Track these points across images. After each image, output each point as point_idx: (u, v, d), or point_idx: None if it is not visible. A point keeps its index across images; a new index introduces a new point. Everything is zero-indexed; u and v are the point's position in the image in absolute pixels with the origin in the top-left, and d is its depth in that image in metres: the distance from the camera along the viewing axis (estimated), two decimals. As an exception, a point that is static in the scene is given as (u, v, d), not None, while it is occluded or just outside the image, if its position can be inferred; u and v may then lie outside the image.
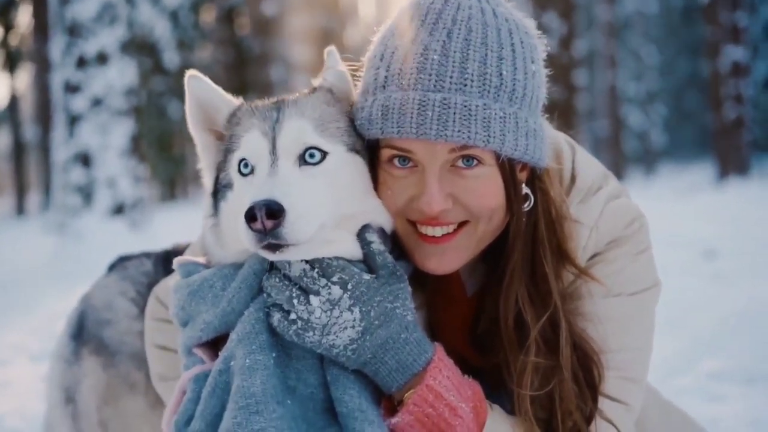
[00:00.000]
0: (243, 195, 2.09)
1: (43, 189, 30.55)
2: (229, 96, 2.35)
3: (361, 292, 2.07)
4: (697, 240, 11.22)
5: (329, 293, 2.06)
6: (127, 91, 12.90)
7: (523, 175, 2.28)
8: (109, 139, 12.65)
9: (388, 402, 2.15)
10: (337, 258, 2.11)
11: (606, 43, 34.70)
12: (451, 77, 2.10)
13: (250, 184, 2.09)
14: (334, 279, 2.08)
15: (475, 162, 2.17)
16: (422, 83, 2.11)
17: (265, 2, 27.30)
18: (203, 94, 2.32)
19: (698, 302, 7.52)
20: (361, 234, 2.17)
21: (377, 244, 2.16)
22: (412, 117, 2.10)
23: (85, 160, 12.62)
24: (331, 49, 2.37)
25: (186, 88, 2.32)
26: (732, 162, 22.87)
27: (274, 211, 1.93)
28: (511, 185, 2.22)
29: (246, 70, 30.61)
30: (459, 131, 2.08)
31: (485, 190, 2.20)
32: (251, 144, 2.14)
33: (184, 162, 33.19)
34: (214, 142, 2.33)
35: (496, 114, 2.11)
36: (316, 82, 2.35)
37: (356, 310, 2.06)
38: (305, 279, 2.07)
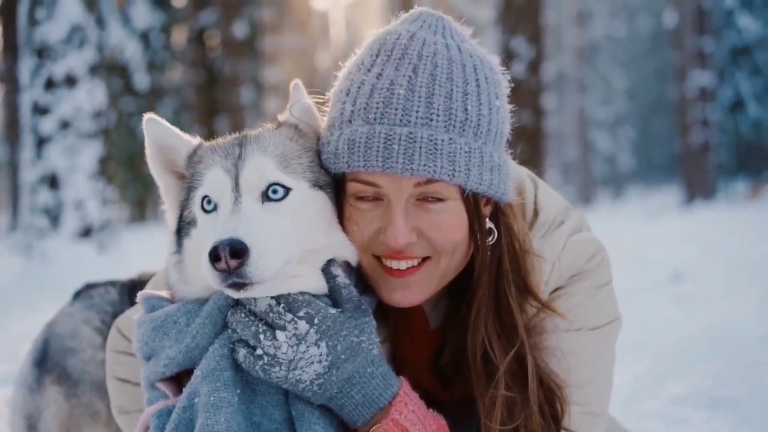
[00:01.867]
0: (206, 232, 2.09)
1: (10, 209, 30.24)
2: (187, 137, 2.34)
3: (327, 326, 2.07)
4: (664, 262, 11.30)
5: (295, 328, 2.06)
6: (95, 113, 12.84)
7: (487, 210, 2.30)
8: (77, 161, 12.57)
9: None
10: (302, 293, 2.11)
11: (575, 66, 35.02)
12: (417, 112, 2.12)
13: (214, 221, 2.09)
14: (300, 314, 2.07)
15: (437, 197, 2.18)
16: (388, 117, 2.12)
17: (236, 24, 27.22)
18: (162, 137, 2.33)
19: (663, 325, 7.57)
20: (326, 268, 2.18)
21: (342, 278, 2.17)
22: (378, 151, 2.11)
23: (52, 181, 12.53)
24: (297, 82, 2.37)
25: (144, 131, 2.32)
26: (699, 185, 23.12)
27: (237, 250, 1.93)
28: (476, 219, 2.24)
29: (217, 92, 30.49)
30: (425, 165, 2.10)
31: (449, 224, 2.21)
32: (214, 181, 2.13)
33: (153, 183, 32.94)
34: (175, 182, 2.33)
35: (461, 148, 2.12)
36: (281, 117, 2.35)
37: (323, 344, 2.06)
38: (271, 314, 2.07)
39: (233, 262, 1.93)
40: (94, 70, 12.93)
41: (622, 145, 39.59)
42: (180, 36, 33.85)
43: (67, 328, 2.92)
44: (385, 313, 2.42)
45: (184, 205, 2.24)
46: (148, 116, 2.32)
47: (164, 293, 2.34)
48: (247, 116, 29.95)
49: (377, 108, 2.14)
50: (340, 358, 2.07)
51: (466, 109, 2.15)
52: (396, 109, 2.12)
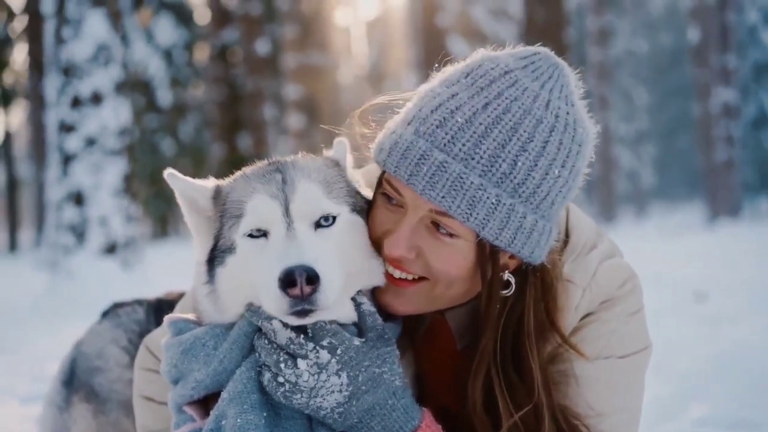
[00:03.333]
0: (254, 259, 2.10)
1: (35, 225, 30.49)
2: (200, 182, 2.37)
3: (349, 357, 2.08)
4: (688, 281, 11.20)
5: (317, 357, 2.06)
6: (120, 131, 12.92)
7: (511, 262, 2.26)
8: (102, 178, 12.64)
9: None
10: (330, 321, 2.11)
11: (597, 83, 34.96)
12: (462, 146, 2.09)
13: (263, 248, 2.10)
14: (324, 343, 2.07)
15: (449, 232, 2.17)
16: (435, 138, 2.11)
17: (259, 41, 27.37)
18: (182, 188, 2.33)
19: (687, 345, 7.49)
20: (353, 295, 2.19)
21: (367, 305, 2.19)
22: (410, 163, 2.12)
23: (78, 199, 12.62)
24: (342, 140, 2.41)
25: (170, 184, 2.35)
26: (723, 203, 22.96)
27: (311, 276, 1.95)
28: (488, 268, 2.20)
29: (239, 108, 30.62)
30: (443, 197, 2.09)
31: (452, 259, 2.20)
32: (261, 207, 2.14)
33: (176, 199, 33.14)
34: (203, 221, 2.33)
35: (488, 198, 2.09)
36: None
37: (344, 374, 2.06)
38: (292, 346, 2.08)
39: (308, 288, 1.94)
40: (119, 87, 13.02)
41: (644, 162, 39.42)
42: (203, 53, 34.07)
43: (94, 348, 2.95)
44: (412, 333, 2.43)
45: (218, 236, 2.23)
46: (168, 172, 2.32)
47: (191, 316, 2.35)
48: (269, 133, 30.06)
49: (432, 124, 2.13)
50: (360, 389, 2.07)
51: (515, 164, 2.09)
52: (446, 134, 2.11)
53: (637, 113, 39.13)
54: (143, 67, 28.70)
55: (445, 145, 2.10)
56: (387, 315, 2.29)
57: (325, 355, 2.06)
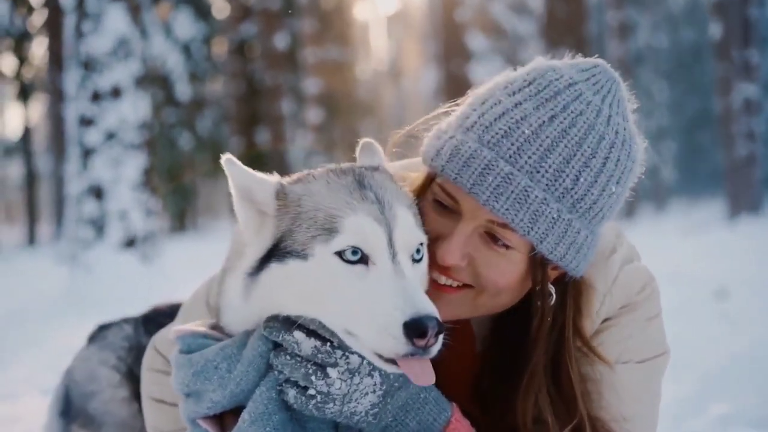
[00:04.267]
0: (347, 283, 1.98)
1: (55, 219, 30.64)
2: (260, 175, 2.19)
3: None
4: (708, 279, 11.13)
5: (348, 362, 2.01)
6: (140, 124, 12.96)
7: (552, 273, 2.25)
8: (122, 172, 12.68)
9: None
10: None
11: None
12: (529, 158, 2.07)
13: (362, 276, 1.98)
14: (352, 349, 2.02)
15: (504, 243, 2.15)
16: (500, 148, 2.08)
17: (277, 35, 27.41)
18: (239, 176, 2.15)
19: (709, 343, 7.46)
20: None
21: None
22: (474, 172, 2.08)
23: (97, 193, 12.66)
24: (370, 142, 2.37)
25: (226, 171, 2.18)
26: (744, 199, 22.78)
27: (438, 329, 1.89)
28: (539, 280, 2.20)
29: (257, 103, 30.70)
30: (507, 210, 2.07)
31: (504, 270, 2.18)
32: (367, 231, 1.99)
33: (194, 193, 33.28)
34: (255, 215, 2.16)
35: (550, 212, 2.08)
36: (371, 163, 2.31)
37: (376, 374, 2.03)
38: (320, 355, 2.02)
39: (434, 340, 1.89)
40: (138, 81, 13.06)
41: (664, 158, 39.24)
42: (221, 47, 34.18)
43: (84, 373, 2.93)
44: None
45: (284, 237, 2.06)
46: (226, 157, 2.16)
47: (200, 326, 2.30)
48: (287, 127, 30.10)
49: (496, 133, 2.09)
50: (393, 385, 2.04)
51: (577, 180, 2.08)
52: (512, 145, 2.07)
53: (657, 109, 38.97)
54: (162, 61, 28.77)
55: (510, 156, 2.07)
56: None
57: (355, 359, 2.02)
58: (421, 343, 1.86)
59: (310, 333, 2.04)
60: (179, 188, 30.99)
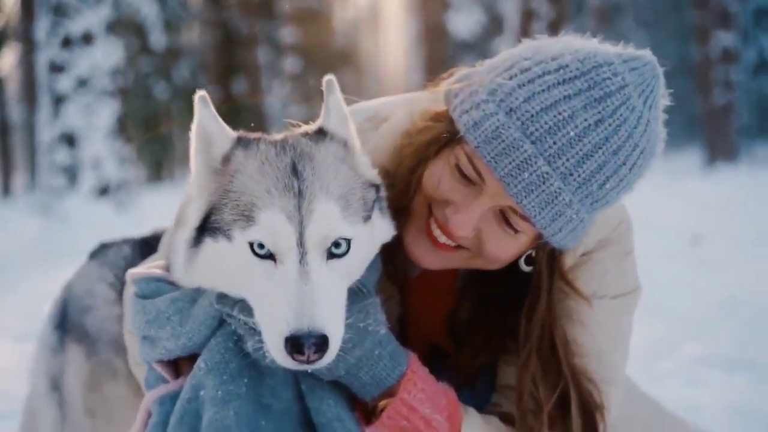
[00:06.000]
0: (257, 277, 1.91)
1: (29, 169, 30.45)
2: (227, 128, 2.06)
3: None
4: (684, 226, 11.24)
5: None
6: (112, 71, 12.82)
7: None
8: (95, 119, 12.57)
9: (362, 406, 2.12)
10: None
11: (596, 27, 34.72)
12: (568, 161, 2.02)
13: (270, 275, 1.90)
14: None
15: (518, 229, 2.15)
16: (542, 143, 2.02)
17: (254, -17, 27.20)
18: (205, 119, 2.03)
19: (683, 287, 7.55)
20: None
21: None
22: (511, 161, 2.04)
23: (70, 140, 12.55)
24: (331, 79, 2.08)
25: (195, 110, 2.04)
26: (720, 148, 22.90)
27: (321, 345, 1.80)
28: (543, 263, 2.24)
29: (234, 52, 30.46)
30: (533, 206, 2.05)
31: (507, 248, 2.19)
32: (276, 229, 1.88)
33: (170, 144, 33.08)
34: (207, 169, 2.05)
35: (570, 211, 2.07)
36: (322, 123, 2.10)
37: None
38: None
39: (315, 356, 1.80)
40: (110, 27, 12.89)
41: (642, 107, 39.29)
42: (197, -5, 33.76)
43: (83, 288, 2.92)
44: (402, 271, 2.40)
45: (214, 210, 1.98)
46: (200, 94, 2.01)
47: (156, 268, 2.24)
48: (264, 77, 29.90)
49: (541, 127, 2.03)
50: (347, 345, 1.97)
51: (603, 185, 2.06)
52: (554, 143, 2.02)
53: (635, 58, 38.94)
54: (136, 8, 28.37)
55: (550, 155, 2.02)
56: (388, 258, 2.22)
57: None
58: (300, 358, 1.79)
59: None
60: (155, 138, 30.78)
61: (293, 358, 1.80)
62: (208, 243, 1.99)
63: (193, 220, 2.04)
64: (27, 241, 13.10)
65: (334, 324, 1.84)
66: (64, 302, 2.93)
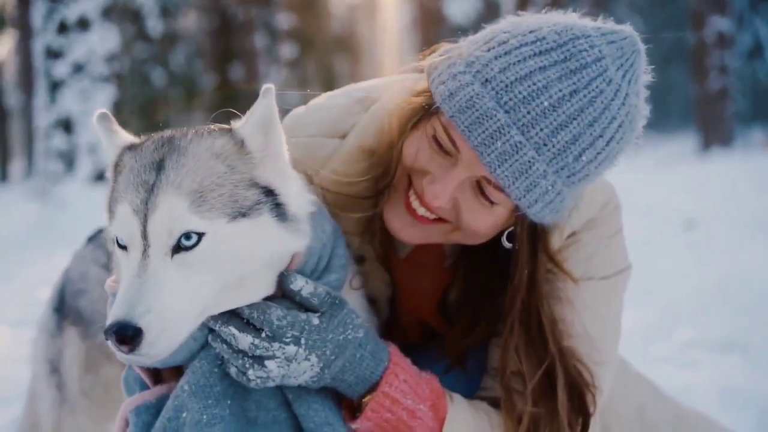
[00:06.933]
0: (121, 273, 1.93)
1: (26, 156, 30.37)
2: (125, 135, 2.09)
3: (314, 340, 2.00)
4: (678, 210, 11.25)
5: (284, 353, 1.97)
6: (108, 56, 12.81)
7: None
8: (91, 105, 12.56)
9: (348, 402, 2.15)
10: (285, 312, 1.99)
11: (592, 13, 34.58)
12: (540, 130, 2.02)
13: (126, 267, 1.89)
14: (287, 338, 1.97)
15: (491, 199, 2.14)
16: (516, 114, 2.02)
17: (250, -31, 27.06)
18: (104, 132, 2.08)
19: (676, 272, 7.57)
20: (285, 285, 2.04)
21: (306, 288, 2.04)
22: (484, 131, 2.03)
23: (66, 126, 12.55)
24: (269, 88, 1.96)
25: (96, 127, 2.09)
26: (715, 133, 22.89)
27: (126, 337, 1.75)
28: (522, 235, 2.22)
29: (230, 38, 30.35)
30: (506, 176, 2.04)
31: (484, 219, 2.18)
32: (123, 221, 1.88)
33: (168, 129, 32.96)
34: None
35: (545, 182, 2.06)
36: (237, 124, 2.03)
37: (312, 356, 2.00)
38: (258, 350, 1.97)
39: (124, 347, 1.76)
40: (107, 13, 12.87)
41: (638, 92, 39.19)
42: (193, -19, 33.59)
43: (78, 271, 2.94)
44: (394, 249, 2.44)
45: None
46: (99, 112, 2.07)
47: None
48: (261, 62, 29.80)
49: (515, 96, 2.02)
50: (330, 359, 2.02)
51: (579, 157, 2.05)
52: (528, 113, 2.01)
53: (631, 44, 38.79)
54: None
55: (524, 125, 2.02)
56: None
57: (291, 348, 1.97)
58: (123, 348, 1.77)
59: (245, 326, 1.98)
60: (152, 124, 30.68)
61: (118, 348, 1.78)
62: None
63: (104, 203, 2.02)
64: (24, 226, 13.09)
65: (156, 316, 1.78)
66: (62, 286, 2.96)
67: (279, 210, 1.97)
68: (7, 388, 5.08)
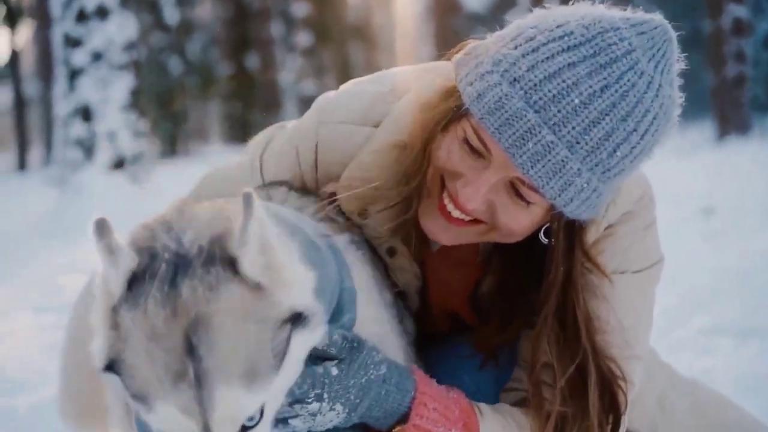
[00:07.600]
0: None
1: (44, 143, 30.50)
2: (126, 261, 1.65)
3: (335, 390, 1.95)
4: (696, 197, 11.18)
5: (307, 411, 1.93)
6: (127, 45, 12.86)
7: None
8: (110, 93, 12.63)
9: None
10: (303, 378, 1.89)
11: (610, 3, 34.42)
12: (573, 129, 1.98)
13: None
14: (310, 398, 1.92)
15: (530, 200, 2.11)
16: (546, 113, 1.98)
17: (266, -43, 27.06)
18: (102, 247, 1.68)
19: (695, 258, 7.52)
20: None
21: (321, 343, 1.92)
22: (515, 132, 2.00)
23: (85, 114, 12.62)
24: (250, 193, 1.60)
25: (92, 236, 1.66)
26: (732, 120, 22.73)
27: None
28: (559, 233, 2.19)
29: (246, 26, 30.38)
30: (540, 177, 2.01)
31: (520, 219, 2.15)
32: (172, 424, 1.64)
33: (185, 118, 33.05)
34: (106, 303, 1.69)
35: (580, 180, 2.02)
36: (238, 253, 1.62)
37: (337, 405, 1.96)
38: (280, 415, 1.89)
39: None
40: (124, 2, 12.92)
41: (655, 80, 38.96)
42: (209, -31, 33.60)
43: None
44: (425, 242, 2.41)
45: (119, 362, 1.68)
46: (97, 219, 1.65)
47: None
48: (277, 51, 29.82)
49: (545, 95, 1.98)
50: (355, 403, 1.99)
51: (614, 153, 2.01)
52: (558, 112, 1.97)
53: (648, 31, 38.56)
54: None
55: (555, 124, 1.98)
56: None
57: (314, 405, 1.93)
58: None
59: None
60: (169, 112, 30.77)
61: None
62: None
63: (100, 348, 1.71)
64: (43, 214, 13.17)
65: None
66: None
67: (303, 321, 1.75)
68: (27, 374, 5.12)
